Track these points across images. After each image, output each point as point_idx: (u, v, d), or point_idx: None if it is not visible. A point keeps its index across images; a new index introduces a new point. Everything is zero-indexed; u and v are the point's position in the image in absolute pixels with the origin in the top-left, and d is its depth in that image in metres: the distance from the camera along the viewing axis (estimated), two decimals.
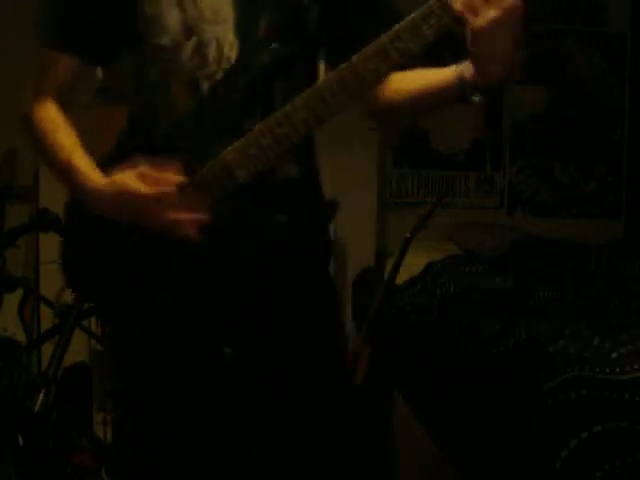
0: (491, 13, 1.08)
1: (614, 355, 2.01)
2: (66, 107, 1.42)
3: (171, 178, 1.24)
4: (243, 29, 1.29)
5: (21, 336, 2.91)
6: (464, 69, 1.21)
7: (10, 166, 3.31)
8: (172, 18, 1.28)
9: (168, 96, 1.32)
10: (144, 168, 1.24)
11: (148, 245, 1.33)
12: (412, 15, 1.13)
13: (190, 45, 1.29)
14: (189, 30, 1.28)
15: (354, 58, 1.18)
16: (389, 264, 2.79)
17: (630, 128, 3.80)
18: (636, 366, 1.92)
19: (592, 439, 1.71)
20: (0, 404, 2.08)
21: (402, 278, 2.89)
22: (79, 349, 2.99)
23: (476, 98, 1.21)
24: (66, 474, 2.61)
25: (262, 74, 1.27)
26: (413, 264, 2.98)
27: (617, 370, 1.91)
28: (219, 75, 1.29)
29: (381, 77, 1.21)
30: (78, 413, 2.97)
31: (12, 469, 1.82)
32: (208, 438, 1.40)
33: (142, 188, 1.23)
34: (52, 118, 1.41)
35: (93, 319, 3.06)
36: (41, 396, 1.69)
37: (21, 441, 1.78)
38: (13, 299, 2.90)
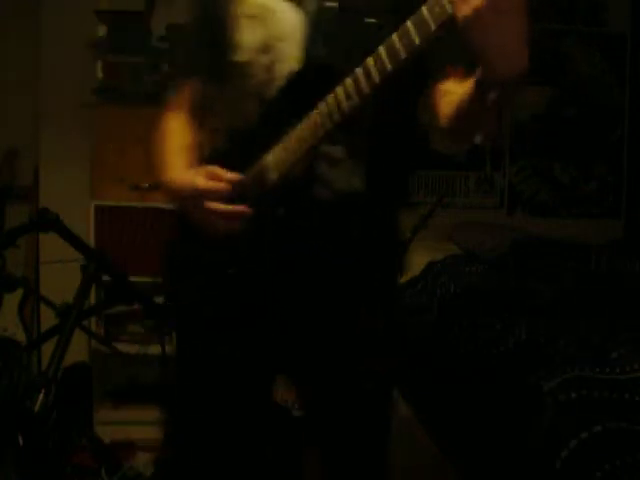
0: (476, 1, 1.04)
1: (614, 355, 2.01)
2: (202, 126, 1.61)
3: (220, 176, 1.39)
4: (310, 47, 1.40)
5: (21, 336, 2.90)
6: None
7: (10, 166, 3.31)
8: (249, 38, 1.45)
9: (240, 107, 1.48)
10: (210, 167, 1.41)
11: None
12: (420, 10, 1.12)
13: (264, 61, 1.44)
14: (263, 48, 1.44)
15: (368, 60, 1.22)
16: None
17: (630, 128, 3.80)
18: (636, 366, 1.92)
19: (592, 439, 1.71)
20: (0, 404, 2.08)
21: (402, 278, 2.88)
22: (79, 349, 3.00)
23: (491, 96, 1.18)
24: (66, 474, 2.61)
25: (319, 87, 1.34)
26: (413, 264, 2.98)
27: (617, 370, 1.92)
28: (282, 88, 1.40)
29: (389, 76, 1.21)
30: (78, 413, 2.97)
31: (12, 469, 1.82)
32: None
33: (196, 181, 1.40)
34: (170, 126, 1.60)
35: (93, 319, 3.06)
36: (41, 396, 1.69)
37: (21, 441, 1.78)
38: (13, 299, 2.90)
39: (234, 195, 1.39)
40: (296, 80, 1.39)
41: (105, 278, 2.36)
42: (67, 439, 2.73)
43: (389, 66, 1.18)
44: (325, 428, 1.59)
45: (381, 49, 1.19)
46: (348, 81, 1.25)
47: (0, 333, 2.86)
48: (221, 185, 1.39)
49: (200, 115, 1.61)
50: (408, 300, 2.96)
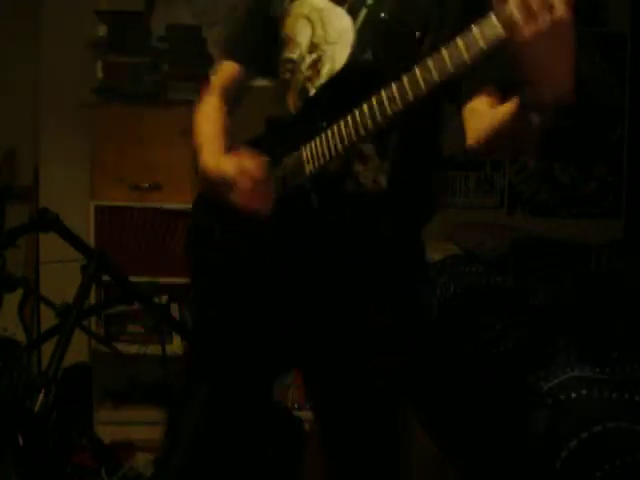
0: (540, 23, 1.09)
1: (614, 355, 2.01)
2: (231, 107, 1.69)
3: (256, 159, 1.45)
4: (356, 52, 1.48)
5: (21, 336, 2.90)
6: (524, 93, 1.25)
7: (10, 166, 3.31)
8: (303, 36, 1.54)
9: (286, 99, 1.57)
10: (242, 152, 1.47)
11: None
12: (471, 27, 1.19)
13: (310, 59, 1.53)
14: (313, 47, 1.53)
15: (415, 68, 1.28)
16: None
17: (630, 128, 3.80)
18: (636, 366, 1.92)
19: (592, 439, 1.71)
20: (0, 404, 2.08)
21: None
22: (79, 349, 3.00)
23: (535, 120, 1.25)
24: (66, 474, 2.61)
25: (359, 87, 1.42)
26: None
27: (617, 370, 1.92)
28: (323, 85, 1.49)
29: (435, 87, 1.28)
30: (78, 413, 2.97)
31: (12, 469, 1.82)
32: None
33: (235, 162, 1.46)
34: (207, 109, 1.67)
35: (93, 319, 3.06)
36: (41, 396, 1.69)
37: (21, 441, 1.78)
38: (13, 299, 2.90)
39: (271, 179, 1.46)
40: (337, 80, 1.47)
41: (105, 278, 2.37)
42: (67, 439, 2.73)
43: (436, 78, 1.25)
44: (334, 427, 1.61)
45: (429, 61, 1.25)
46: (393, 86, 1.31)
47: (0, 333, 2.86)
48: (261, 167, 1.44)
49: (232, 98, 1.69)
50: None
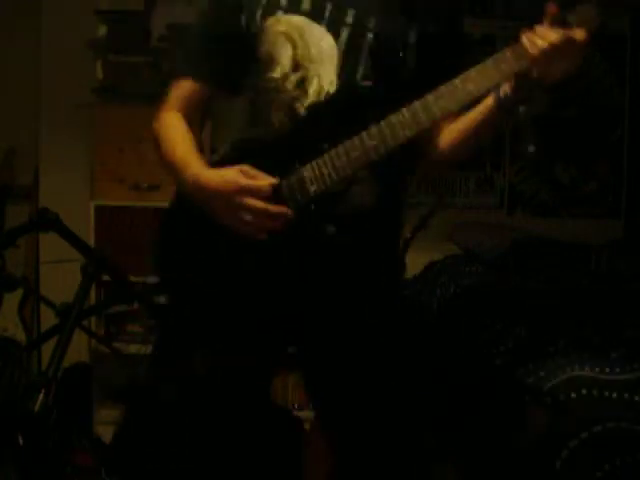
0: (551, 37, 1.25)
1: (614, 355, 2.01)
2: (191, 124, 1.63)
3: (258, 177, 1.44)
4: (344, 70, 1.49)
5: (21, 336, 2.91)
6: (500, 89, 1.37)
7: (10, 166, 3.31)
8: (284, 55, 1.51)
9: (270, 118, 1.53)
10: (245, 167, 1.45)
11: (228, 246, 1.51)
12: (486, 61, 1.30)
13: (295, 78, 1.51)
14: (297, 65, 1.51)
15: (428, 96, 1.33)
16: None
17: (630, 128, 3.80)
18: (636, 366, 1.92)
19: (592, 439, 1.71)
20: (0, 404, 2.08)
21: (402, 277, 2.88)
22: (79, 349, 3.00)
23: (519, 109, 1.33)
24: (66, 474, 2.61)
25: (353, 108, 1.46)
26: (413, 264, 2.97)
27: (617, 370, 1.91)
28: (315, 104, 1.49)
29: (448, 114, 1.37)
30: (78, 413, 2.97)
31: (12, 469, 1.82)
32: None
33: (235, 179, 1.43)
34: (174, 123, 1.61)
35: (93, 319, 3.06)
36: (41, 396, 1.69)
37: (21, 441, 1.78)
38: (13, 299, 2.90)
39: (273, 199, 1.43)
40: (333, 101, 1.47)
41: (105, 278, 2.36)
42: (67, 439, 2.73)
43: (453, 107, 1.33)
44: (336, 426, 1.63)
45: (443, 89, 1.32)
46: (405, 112, 1.35)
47: (0, 333, 2.86)
48: (263, 184, 1.43)
49: (195, 116, 1.64)
50: (408, 300, 2.95)
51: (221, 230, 1.49)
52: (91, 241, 2.96)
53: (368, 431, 1.57)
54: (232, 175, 1.44)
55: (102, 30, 3.19)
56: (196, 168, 1.50)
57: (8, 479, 1.83)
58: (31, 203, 3.26)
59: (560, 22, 1.27)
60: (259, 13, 1.53)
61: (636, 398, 1.81)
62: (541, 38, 1.27)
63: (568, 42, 1.27)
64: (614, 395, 1.82)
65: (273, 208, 1.43)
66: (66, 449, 2.69)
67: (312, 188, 1.44)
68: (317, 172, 1.44)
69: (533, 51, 1.28)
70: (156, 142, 1.61)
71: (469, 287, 2.85)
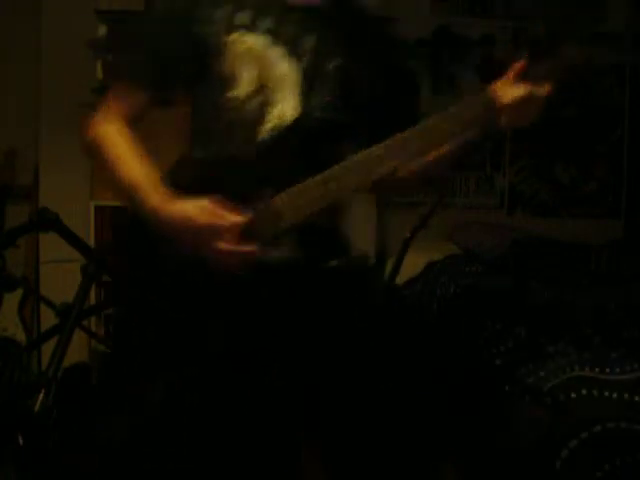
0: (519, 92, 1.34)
1: (614, 355, 2.01)
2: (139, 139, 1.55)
3: (228, 215, 1.36)
4: (306, 96, 1.47)
5: (21, 336, 2.91)
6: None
7: (10, 166, 3.31)
8: (247, 75, 1.47)
9: (231, 140, 1.49)
10: (207, 203, 1.37)
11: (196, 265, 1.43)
12: (461, 103, 1.35)
13: (256, 101, 1.47)
14: (259, 88, 1.47)
15: (402, 134, 1.34)
16: (389, 264, 2.79)
17: (630, 128, 3.80)
18: (636, 366, 1.92)
19: (592, 439, 1.71)
20: (0, 404, 2.08)
21: (402, 278, 2.88)
22: (79, 349, 3.00)
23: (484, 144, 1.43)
24: (66, 474, 2.61)
25: (315, 135, 1.45)
26: (413, 264, 2.97)
27: (617, 370, 1.91)
28: (278, 130, 1.45)
29: (423, 153, 1.39)
30: (78, 413, 2.97)
31: (12, 469, 1.82)
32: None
33: (201, 218, 1.36)
34: (117, 132, 1.51)
35: (93, 319, 3.06)
36: (41, 396, 1.69)
37: (21, 441, 1.78)
38: (13, 299, 2.90)
39: (243, 234, 1.38)
40: (292, 129, 1.45)
41: (105, 278, 2.36)
42: (67, 439, 2.73)
43: (437, 144, 1.36)
44: (332, 432, 1.61)
45: (426, 121, 1.34)
46: (390, 143, 1.35)
47: (0, 333, 2.86)
48: (232, 223, 1.36)
49: (135, 128, 1.55)
50: (408, 300, 2.95)
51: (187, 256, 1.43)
52: (91, 241, 2.96)
53: (368, 431, 1.57)
54: (195, 212, 1.37)
55: (102, 30, 3.19)
56: (155, 201, 1.41)
57: (8, 479, 1.83)
58: (31, 203, 3.26)
59: (525, 76, 1.35)
60: (220, 28, 1.48)
61: (636, 398, 1.81)
62: (506, 94, 1.35)
63: (531, 98, 1.37)
64: (614, 395, 1.82)
65: (242, 249, 1.37)
66: (66, 449, 2.68)
67: (288, 219, 1.41)
68: (293, 203, 1.40)
69: (499, 104, 1.35)
70: (99, 155, 1.51)
71: (469, 287, 2.84)
